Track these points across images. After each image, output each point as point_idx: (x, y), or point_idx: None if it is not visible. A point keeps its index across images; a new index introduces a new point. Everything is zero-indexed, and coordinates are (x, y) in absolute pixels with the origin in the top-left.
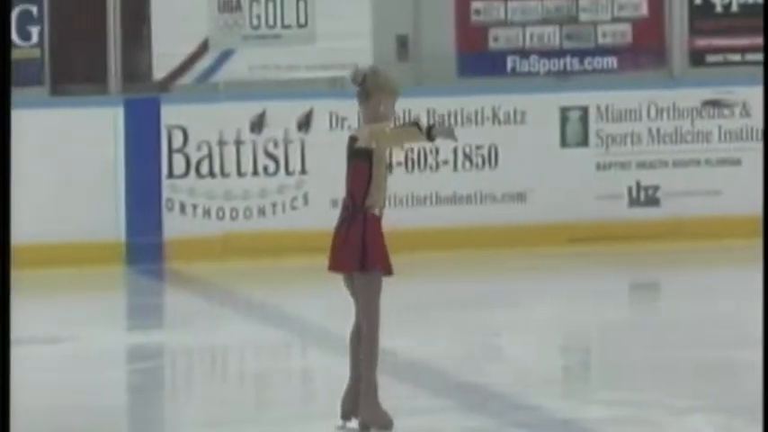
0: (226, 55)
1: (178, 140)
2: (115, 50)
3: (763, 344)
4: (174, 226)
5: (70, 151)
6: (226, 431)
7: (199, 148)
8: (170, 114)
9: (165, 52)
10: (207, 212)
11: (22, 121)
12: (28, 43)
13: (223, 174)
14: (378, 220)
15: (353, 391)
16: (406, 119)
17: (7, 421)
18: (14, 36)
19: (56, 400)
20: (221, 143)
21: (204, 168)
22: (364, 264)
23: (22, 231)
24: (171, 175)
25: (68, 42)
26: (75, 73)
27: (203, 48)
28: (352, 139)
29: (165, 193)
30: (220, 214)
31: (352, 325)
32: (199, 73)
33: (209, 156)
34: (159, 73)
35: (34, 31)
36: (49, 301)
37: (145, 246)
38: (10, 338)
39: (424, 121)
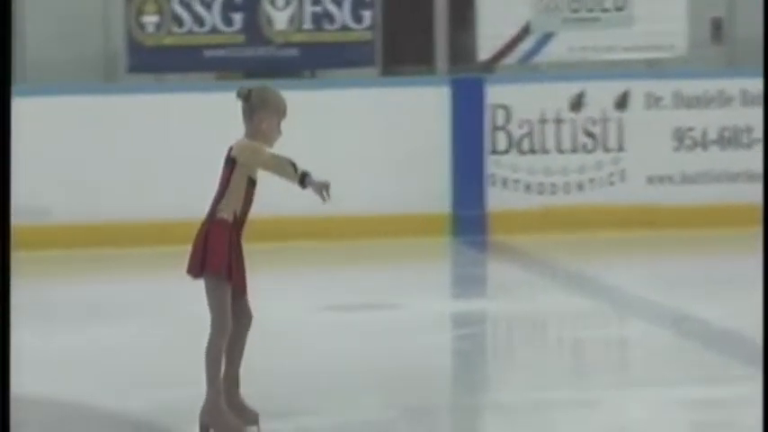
0: (547, 37)
1: (501, 119)
2: (442, 33)
3: (763, 344)
4: (496, 199)
5: (400, 129)
6: (545, 395)
7: (521, 125)
8: (494, 94)
9: (490, 34)
10: (528, 187)
11: (354, 100)
12: (360, 26)
13: (544, 150)
14: (225, 226)
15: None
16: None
17: (7, 421)
18: (348, 20)
19: (384, 363)
20: (542, 121)
21: (525, 145)
22: (202, 268)
23: (356, 205)
24: (494, 151)
25: (398, 25)
26: (405, 54)
27: (525, 30)
28: (230, 148)
29: (489, 169)
30: (540, 189)
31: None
32: (521, 54)
33: (531, 133)
34: (484, 54)
35: (367, 15)
36: (380, 269)
37: (469, 218)
38: (10, 338)
39: (300, 167)
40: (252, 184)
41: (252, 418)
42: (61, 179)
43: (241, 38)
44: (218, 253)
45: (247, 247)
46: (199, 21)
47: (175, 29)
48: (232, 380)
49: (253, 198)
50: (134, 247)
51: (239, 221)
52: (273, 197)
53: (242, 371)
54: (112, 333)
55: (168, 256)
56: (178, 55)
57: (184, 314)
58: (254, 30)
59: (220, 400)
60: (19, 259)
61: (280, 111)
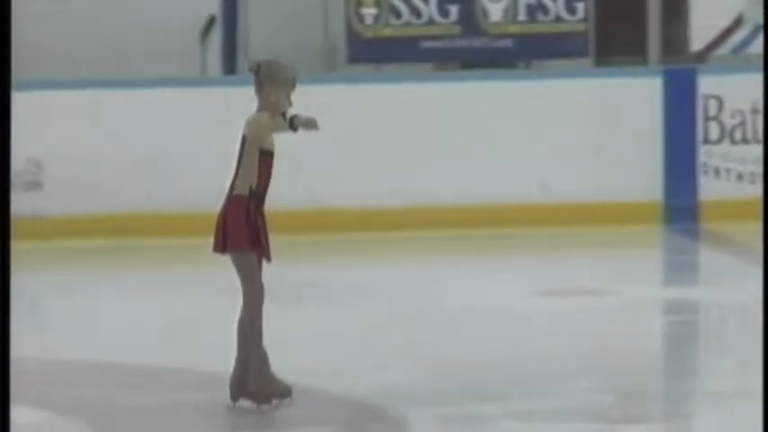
0: (759, 29)
1: (713, 109)
2: (655, 24)
3: (762, 344)
4: (708, 188)
5: (612, 118)
6: (756, 383)
7: (733, 116)
8: (706, 84)
9: (703, 25)
10: (739, 176)
11: (567, 90)
12: (574, 17)
13: (756, 140)
14: (242, 200)
15: (239, 375)
16: None
17: (7, 421)
18: (562, 11)
19: (597, 349)
20: (754, 111)
21: (738, 135)
22: (224, 245)
23: (569, 193)
24: (706, 140)
25: (611, 16)
26: (618, 45)
27: (738, 22)
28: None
29: (701, 158)
30: (752, 178)
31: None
32: (733, 45)
33: (743, 123)
34: (696, 45)
35: (580, 6)
36: (593, 256)
37: (681, 207)
38: (10, 337)
39: (290, 113)
40: (267, 155)
41: (285, 391)
42: (277, 166)
43: (457, 29)
44: (238, 228)
45: (462, 234)
46: (416, 12)
47: (393, 20)
48: (263, 352)
49: (271, 169)
50: (358, 232)
51: (257, 194)
52: (489, 186)
53: (457, 357)
54: (335, 315)
55: (393, 241)
56: (396, 46)
57: (408, 298)
58: (470, 21)
59: (269, 368)
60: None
61: (288, 84)
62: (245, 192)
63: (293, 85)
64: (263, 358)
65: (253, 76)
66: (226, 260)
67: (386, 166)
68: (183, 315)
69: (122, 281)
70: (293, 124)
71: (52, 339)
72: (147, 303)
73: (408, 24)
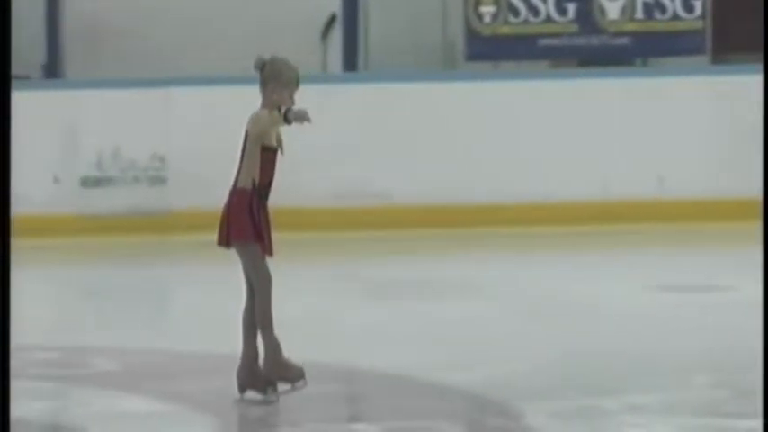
0: None
1: None
2: None
3: (763, 344)
4: None
5: (730, 115)
6: None
7: None
8: None
9: None
10: None
11: (685, 87)
12: (691, 15)
13: None
14: (245, 194)
15: (247, 365)
16: None
17: (7, 421)
18: (679, 9)
19: (717, 344)
20: None
21: None
22: (228, 237)
23: (687, 189)
24: None
25: (728, 14)
26: (735, 42)
27: None
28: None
29: None
30: None
31: (245, 301)
32: None
33: None
34: None
35: (697, 4)
36: (712, 251)
37: None
38: (9, 336)
39: (284, 107)
40: (268, 150)
41: (298, 374)
42: (397, 162)
43: (574, 27)
44: (241, 221)
45: (579, 230)
46: (534, 11)
47: (511, 18)
48: (275, 339)
49: (273, 164)
50: (474, 228)
51: (260, 188)
52: (606, 182)
53: (575, 351)
54: (454, 308)
55: (510, 237)
56: (514, 44)
57: (527, 292)
58: (588, 19)
59: (281, 353)
60: (370, 238)
61: (291, 83)
62: (248, 186)
63: (297, 85)
64: (275, 344)
65: (258, 74)
66: (351, 254)
67: (502, 163)
68: (311, 308)
69: (240, 274)
70: (287, 117)
71: (177, 332)
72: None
73: (526, 22)
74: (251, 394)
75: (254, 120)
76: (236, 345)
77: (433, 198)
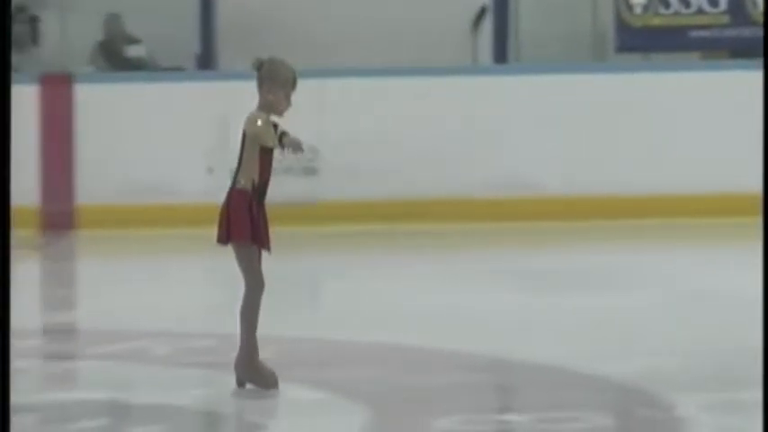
0: None
1: None
2: None
3: (763, 344)
4: None
5: None
6: None
7: None
8: None
9: None
10: None
11: None
12: None
13: None
14: (245, 194)
15: (244, 359)
16: None
17: (7, 420)
18: None
19: None
20: None
21: None
22: (228, 236)
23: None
24: None
25: None
26: None
27: None
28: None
29: None
30: None
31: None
32: None
33: None
34: None
35: None
36: None
37: None
38: (9, 335)
39: (281, 129)
40: (266, 152)
41: (271, 381)
42: (548, 153)
43: (726, 18)
44: (241, 221)
45: (724, 222)
46: (685, 2)
47: (662, 10)
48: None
49: (270, 165)
50: (618, 219)
51: (258, 189)
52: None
53: (729, 343)
54: (605, 300)
55: (657, 228)
56: (664, 35)
57: (683, 285)
58: (740, 11)
59: (256, 356)
60: (522, 229)
61: (287, 83)
62: (248, 187)
63: (293, 85)
64: (254, 347)
65: (256, 74)
66: (504, 245)
67: (652, 154)
68: (464, 298)
69: (395, 265)
70: (282, 142)
71: (328, 321)
72: (419, 287)
73: (677, 14)
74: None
75: (251, 121)
76: (387, 334)
77: (584, 189)
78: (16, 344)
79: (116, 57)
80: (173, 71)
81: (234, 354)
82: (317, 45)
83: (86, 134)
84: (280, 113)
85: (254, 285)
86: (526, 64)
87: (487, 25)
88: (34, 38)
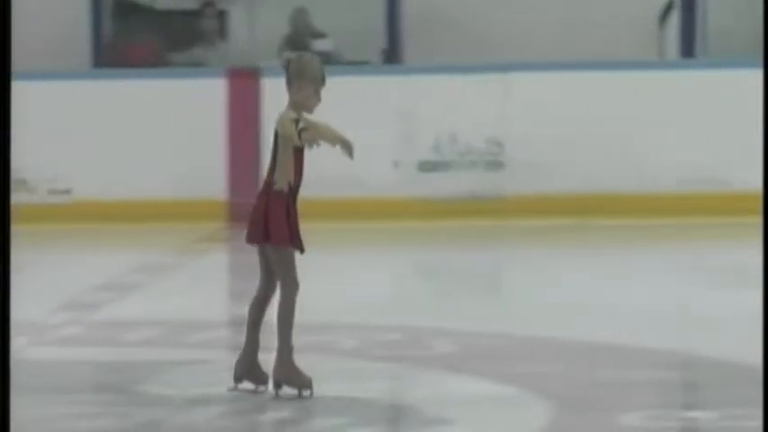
0: None
1: None
2: None
3: (763, 343)
4: None
5: None
6: None
7: None
8: None
9: None
10: None
11: None
12: None
13: None
14: (282, 197)
15: (247, 357)
16: None
17: (7, 420)
18: None
19: None
20: None
21: None
22: (267, 237)
23: None
24: None
25: None
26: None
27: None
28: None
29: None
30: None
31: (255, 295)
32: None
33: None
34: None
35: None
36: None
37: None
38: (9, 335)
39: (301, 125)
40: (299, 152)
41: (306, 383)
42: (735, 149)
43: None
44: (281, 224)
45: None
46: None
47: None
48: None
49: (302, 163)
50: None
51: (294, 190)
52: None
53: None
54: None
55: None
56: None
57: None
58: None
59: (293, 357)
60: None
61: (316, 80)
62: (285, 188)
63: (322, 81)
64: (290, 348)
65: (284, 72)
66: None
67: None
68: (656, 293)
69: (581, 260)
70: (300, 137)
71: (512, 315)
72: (605, 282)
73: None
74: (246, 384)
75: (282, 122)
76: (572, 329)
77: (718, 185)
78: (203, 335)
79: (303, 51)
80: (358, 65)
81: (417, 348)
82: (502, 40)
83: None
84: (310, 110)
85: (291, 287)
86: (713, 59)
87: (675, 20)
88: (222, 32)
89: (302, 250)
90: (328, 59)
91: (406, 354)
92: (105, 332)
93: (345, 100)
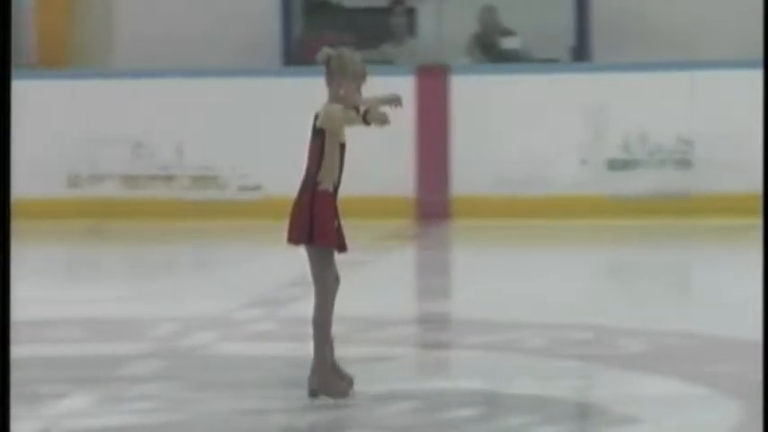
0: None
1: None
2: None
3: (763, 343)
4: None
5: None
6: None
7: None
8: None
9: None
10: None
11: None
12: None
13: None
14: (328, 196)
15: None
16: None
17: (7, 420)
18: None
19: None
20: None
21: None
22: (311, 237)
23: None
24: None
25: None
26: None
27: None
28: (315, 117)
29: None
30: None
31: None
32: None
33: None
34: None
35: None
36: None
37: None
38: (9, 335)
39: (363, 107)
40: (342, 148)
41: (342, 392)
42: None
43: None
44: (327, 224)
45: None
46: None
47: None
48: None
49: (343, 161)
50: None
51: (336, 189)
52: None
53: None
54: None
55: None
56: None
57: None
58: None
59: (328, 365)
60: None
61: (358, 76)
62: (330, 188)
63: (364, 77)
64: (324, 352)
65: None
66: None
67: None
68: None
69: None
70: (366, 119)
71: (700, 315)
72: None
73: None
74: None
75: (328, 116)
76: (754, 329)
77: None
78: (391, 331)
79: (491, 49)
80: (547, 63)
81: (606, 347)
82: (688, 38)
83: (461, 125)
84: (350, 107)
85: (325, 292)
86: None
87: None
88: (411, 30)
89: (345, 249)
90: (517, 57)
91: (595, 352)
92: (295, 328)
93: (534, 98)
